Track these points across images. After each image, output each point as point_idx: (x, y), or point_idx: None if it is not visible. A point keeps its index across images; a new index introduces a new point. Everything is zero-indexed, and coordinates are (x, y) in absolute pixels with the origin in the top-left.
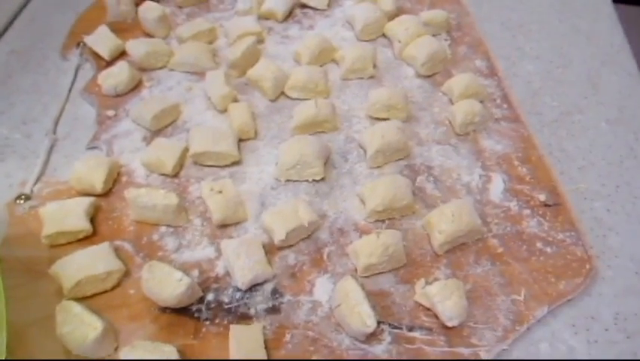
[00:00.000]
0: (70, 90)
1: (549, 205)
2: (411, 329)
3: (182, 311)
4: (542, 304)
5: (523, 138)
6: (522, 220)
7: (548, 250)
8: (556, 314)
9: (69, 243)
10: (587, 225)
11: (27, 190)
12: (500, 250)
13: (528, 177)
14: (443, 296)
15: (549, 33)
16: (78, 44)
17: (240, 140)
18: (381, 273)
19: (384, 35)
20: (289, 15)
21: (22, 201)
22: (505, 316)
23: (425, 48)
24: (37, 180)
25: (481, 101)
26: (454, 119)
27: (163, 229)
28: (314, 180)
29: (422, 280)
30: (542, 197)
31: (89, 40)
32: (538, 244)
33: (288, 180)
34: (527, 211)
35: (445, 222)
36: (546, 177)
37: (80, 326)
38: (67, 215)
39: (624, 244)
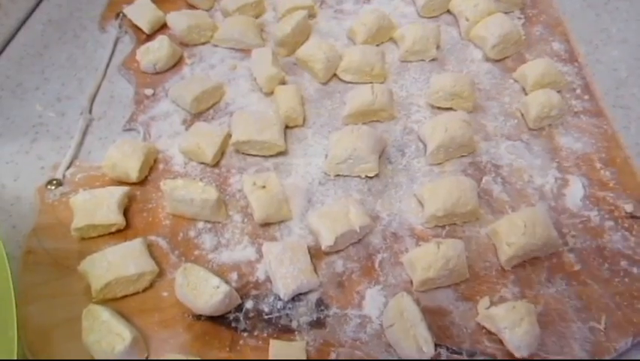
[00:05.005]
0: (107, 65)
1: (636, 217)
2: (472, 355)
3: (218, 320)
4: (626, 335)
5: (606, 136)
6: (604, 233)
7: (635, 270)
8: None
9: (100, 236)
10: None
11: (59, 175)
12: (577, 267)
13: (612, 183)
14: (512, 322)
15: (639, 12)
16: (117, 15)
17: (287, 127)
18: (440, 287)
19: (449, 12)
20: None
21: (53, 187)
22: (582, 346)
23: (497, 28)
24: (70, 163)
25: (559, 92)
26: (527, 112)
27: (201, 224)
28: (367, 177)
29: (486, 299)
30: (629, 207)
31: (129, 11)
32: (623, 263)
33: (337, 175)
34: (610, 223)
35: (515, 233)
36: (633, 183)
37: (107, 335)
38: (98, 206)
39: None
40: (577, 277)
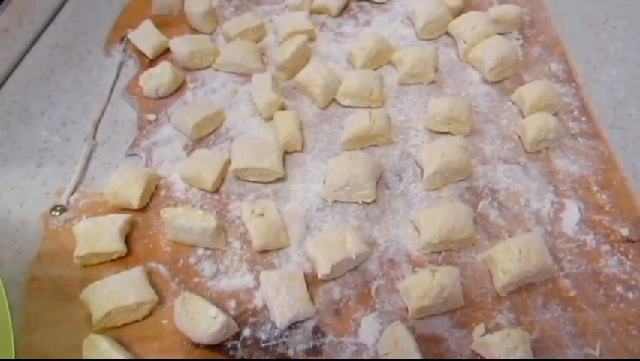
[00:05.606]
0: (112, 90)
1: (633, 241)
2: None
3: (216, 348)
4: None
5: (603, 158)
6: (600, 258)
7: (630, 295)
8: None
9: (102, 263)
10: None
11: (63, 201)
12: (573, 293)
13: (608, 206)
14: (506, 350)
15: (637, 31)
16: (122, 39)
17: (286, 152)
18: (435, 315)
19: (447, 33)
20: (344, 9)
21: (57, 213)
22: None
23: (494, 51)
24: (74, 189)
25: (556, 114)
26: (525, 135)
27: (200, 251)
28: (364, 202)
29: (481, 326)
30: (625, 231)
31: (133, 36)
32: (618, 288)
33: (335, 201)
34: (606, 247)
35: (510, 260)
36: (630, 206)
37: None
38: (100, 235)
39: None
40: (572, 303)
